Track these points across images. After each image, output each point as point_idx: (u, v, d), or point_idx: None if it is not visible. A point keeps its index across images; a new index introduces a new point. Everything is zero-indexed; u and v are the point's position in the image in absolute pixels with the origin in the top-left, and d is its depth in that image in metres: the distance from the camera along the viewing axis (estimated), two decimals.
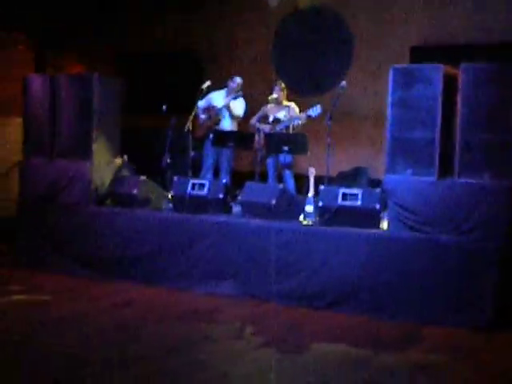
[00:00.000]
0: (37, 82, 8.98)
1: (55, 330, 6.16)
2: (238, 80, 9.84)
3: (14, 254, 8.89)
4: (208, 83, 9.64)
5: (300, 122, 9.28)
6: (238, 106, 9.78)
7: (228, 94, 9.84)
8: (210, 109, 9.83)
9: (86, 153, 8.57)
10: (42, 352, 5.54)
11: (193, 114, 9.59)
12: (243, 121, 9.93)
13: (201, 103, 9.86)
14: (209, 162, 9.90)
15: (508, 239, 6.55)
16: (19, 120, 9.33)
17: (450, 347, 6.06)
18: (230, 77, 9.92)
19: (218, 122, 9.76)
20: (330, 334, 6.39)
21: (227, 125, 9.79)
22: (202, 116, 9.85)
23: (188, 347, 5.80)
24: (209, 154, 9.87)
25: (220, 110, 9.73)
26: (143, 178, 8.52)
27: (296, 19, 12.01)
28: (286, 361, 5.62)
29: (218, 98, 9.89)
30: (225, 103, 9.69)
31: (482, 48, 10.36)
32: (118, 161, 8.92)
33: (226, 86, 9.91)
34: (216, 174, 9.96)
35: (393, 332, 6.43)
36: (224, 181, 8.28)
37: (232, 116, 9.75)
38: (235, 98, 9.66)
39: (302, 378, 5.20)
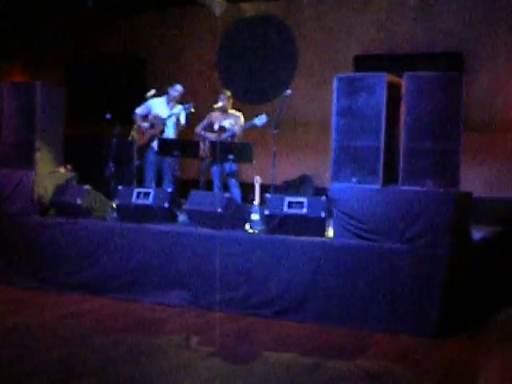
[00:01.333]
0: None
1: None
2: (179, 87, 9.79)
3: None
4: (153, 91, 9.60)
5: (240, 131, 9.33)
6: (182, 115, 9.74)
7: (168, 102, 9.78)
8: (153, 117, 9.75)
9: (28, 162, 8.44)
10: None
11: (137, 122, 9.54)
12: (187, 129, 9.88)
13: (139, 110, 9.80)
14: (152, 170, 9.84)
15: (452, 245, 6.63)
16: None
17: (398, 354, 6.09)
18: (171, 84, 9.86)
19: (162, 131, 9.68)
20: (278, 342, 6.38)
21: (170, 133, 9.74)
22: (145, 124, 9.77)
23: (134, 358, 5.72)
24: (151, 162, 9.80)
25: (164, 119, 9.64)
26: (87, 187, 8.40)
27: (241, 28, 12.07)
28: (234, 370, 5.59)
29: (158, 106, 9.81)
30: (173, 113, 9.61)
31: (424, 57, 10.53)
32: (62, 170, 8.81)
33: (166, 93, 9.85)
34: (160, 182, 9.89)
35: (341, 340, 6.45)
36: (169, 189, 8.21)
37: (177, 125, 9.70)
38: (186, 110, 9.57)
39: None
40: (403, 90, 6.89)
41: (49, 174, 8.60)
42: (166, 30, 12.59)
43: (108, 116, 9.33)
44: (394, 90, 6.96)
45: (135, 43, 12.76)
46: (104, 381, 5.18)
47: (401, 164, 6.90)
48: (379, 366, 5.75)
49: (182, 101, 9.76)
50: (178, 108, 9.67)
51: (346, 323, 6.80)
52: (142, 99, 9.64)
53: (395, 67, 9.42)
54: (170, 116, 9.63)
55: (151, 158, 9.71)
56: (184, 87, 9.84)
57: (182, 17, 12.51)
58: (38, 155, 8.44)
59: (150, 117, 9.78)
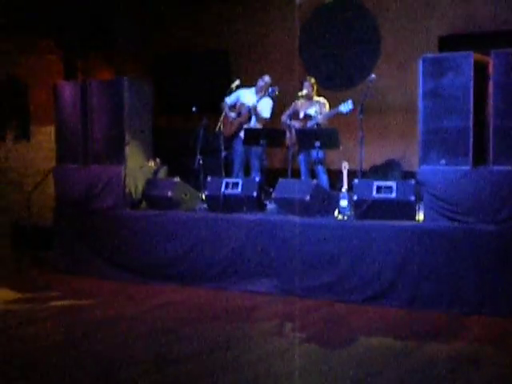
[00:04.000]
0: (67, 89, 9.03)
1: (96, 334, 6.19)
2: (267, 78, 9.83)
3: (53, 261, 8.96)
4: (237, 82, 9.65)
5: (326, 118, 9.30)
6: (265, 108, 9.75)
7: (257, 92, 9.83)
8: (238, 106, 9.82)
9: (119, 157, 8.61)
10: (83, 356, 5.57)
11: (223, 113, 9.62)
12: (272, 118, 9.89)
13: (228, 99, 9.87)
14: (240, 160, 9.88)
15: None
16: (51, 128, 9.39)
17: (493, 336, 6.01)
18: (256, 73, 9.91)
19: (249, 120, 9.72)
20: (372, 327, 6.37)
21: (257, 123, 9.77)
22: (232, 114, 9.83)
23: (228, 346, 5.80)
24: (239, 152, 9.86)
25: (249, 108, 9.69)
26: (177, 179, 8.55)
27: (322, 14, 11.99)
28: (328, 356, 5.62)
29: (246, 95, 9.87)
30: (252, 104, 9.64)
31: (510, 35, 10.26)
32: (152, 164, 8.96)
33: (255, 85, 9.90)
34: (248, 172, 9.94)
35: (434, 323, 6.40)
36: (257, 179, 8.26)
37: (258, 119, 9.71)
38: (270, 94, 9.58)
39: (346, 372, 5.17)
40: (491, 68, 6.75)
41: (139, 168, 8.76)
42: (247, 21, 12.60)
43: (194, 108, 9.45)
44: (481, 69, 6.83)
45: (218, 35, 12.81)
46: (200, 368, 5.26)
47: (491, 144, 6.76)
48: (475, 349, 5.67)
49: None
50: (259, 96, 9.71)
51: (437, 307, 6.74)
52: (227, 90, 9.71)
53: (480, 46, 9.19)
54: (257, 101, 9.64)
55: (239, 148, 9.76)
56: (271, 78, 9.88)
57: (262, 6, 12.52)
58: (127, 150, 8.60)
59: (237, 105, 9.85)
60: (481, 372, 5.15)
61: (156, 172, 8.96)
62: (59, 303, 7.36)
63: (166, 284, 8.04)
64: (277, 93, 9.55)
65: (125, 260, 8.45)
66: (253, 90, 9.91)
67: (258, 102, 9.65)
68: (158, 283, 8.08)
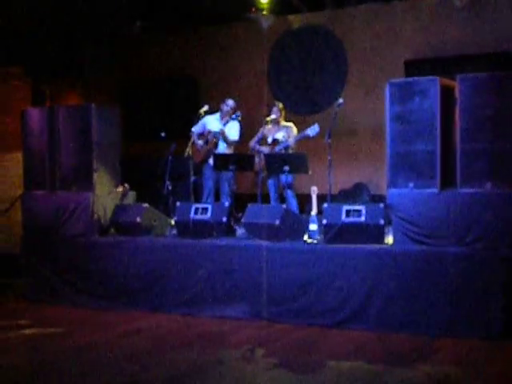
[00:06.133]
0: (35, 115, 8.99)
1: (66, 362, 6.12)
2: (231, 102, 9.83)
3: (21, 288, 8.86)
4: (206, 107, 9.66)
5: (294, 142, 9.34)
6: (233, 131, 9.75)
7: (222, 117, 9.83)
8: (205, 134, 9.82)
9: (87, 183, 8.56)
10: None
11: (192, 139, 9.62)
12: (241, 143, 9.91)
13: (195, 128, 9.86)
14: (209, 186, 9.87)
15: None
16: (19, 154, 9.33)
17: (462, 359, 6.02)
18: (223, 100, 9.92)
19: (215, 146, 9.72)
20: (342, 351, 6.35)
21: (223, 148, 9.77)
22: (199, 142, 9.83)
23: (200, 372, 5.76)
24: (208, 178, 9.85)
25: (216, 133, 9.68)
26: (146, 205, 8.51)
27: (290, 39, 12.10)
28: (299, 380, 5.59)
29: (212, 122, 9.87)
30: (219, 129, 9.63)
31: (475, 59, 10.42)
32: (120, 189, 8.92)
33: (219, 110, 9.91)
34: (217, 197, 9.93)
35: (404, 346, 6.40)
36: (226, 204, 8.25)
37: (227, 142, 9.71)
38: (235, 119, 9.60)
39: None
40: (457, 92, 6.84)
41: (107, 195, 8.71)
42: (214, 47, 12.68)
43: (162, 134, 9.44)
44: (447, 93, 6.91)
45: (186, 61, 12.88)
46: None
47: (458, 167, 6.83)
48: (444, 371, 5.67)
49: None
50: (224, 121, 9.70)
51: (407, 329, 6.76)
52: (195, 116, 9.71)
53: (446, 70, 9.36)
54: (224, 125, 9.63)
55: (208, 173, 9.76)
56: (236, 102, 9.89)
57: (229, 33, 12.61)
58: (95, 176, 8.55)
59: (204, 133, 9.85)
60: None
61: (123, 196, 8.91)
62: (28, 331, 7.26)
63: (135, 310, 7.98)
64: (239, 118, 9.55)
65: (94, 287, 8.37)
66: (217, 115, 9.90)
67: (224, 126, 9.65)
68: (127, 310, 8.02)
